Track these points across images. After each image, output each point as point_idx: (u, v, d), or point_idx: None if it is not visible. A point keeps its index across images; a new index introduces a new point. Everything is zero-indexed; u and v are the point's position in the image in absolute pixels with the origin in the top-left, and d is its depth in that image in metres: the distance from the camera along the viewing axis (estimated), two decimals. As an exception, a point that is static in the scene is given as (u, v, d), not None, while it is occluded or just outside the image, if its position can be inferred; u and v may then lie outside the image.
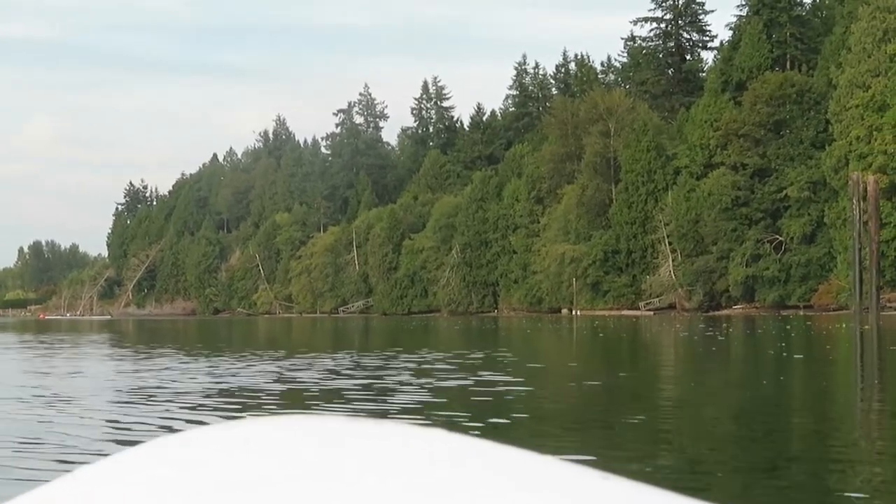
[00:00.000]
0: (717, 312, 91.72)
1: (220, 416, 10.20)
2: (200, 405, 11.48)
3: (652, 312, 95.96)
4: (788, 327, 43.50)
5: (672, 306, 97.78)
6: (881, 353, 23.28)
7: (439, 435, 1.15)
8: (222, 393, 13.10)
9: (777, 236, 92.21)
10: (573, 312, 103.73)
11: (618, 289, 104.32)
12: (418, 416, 9.90)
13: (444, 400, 11.77)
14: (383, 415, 10.06)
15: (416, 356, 21.72)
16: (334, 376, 15.83)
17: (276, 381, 15.05)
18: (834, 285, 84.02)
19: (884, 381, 15.16)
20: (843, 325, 45.12)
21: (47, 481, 1.11)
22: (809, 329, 40.94)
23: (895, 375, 16.58)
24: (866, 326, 42.09)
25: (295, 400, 12.18)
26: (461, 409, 10.80)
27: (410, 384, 13.94)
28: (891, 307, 74.10)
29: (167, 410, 10.94)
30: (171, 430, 8.67)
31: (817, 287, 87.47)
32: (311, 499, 0.98)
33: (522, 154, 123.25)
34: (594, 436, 8.80)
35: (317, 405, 11.54)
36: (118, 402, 12.02)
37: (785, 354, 21.97)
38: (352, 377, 15.61)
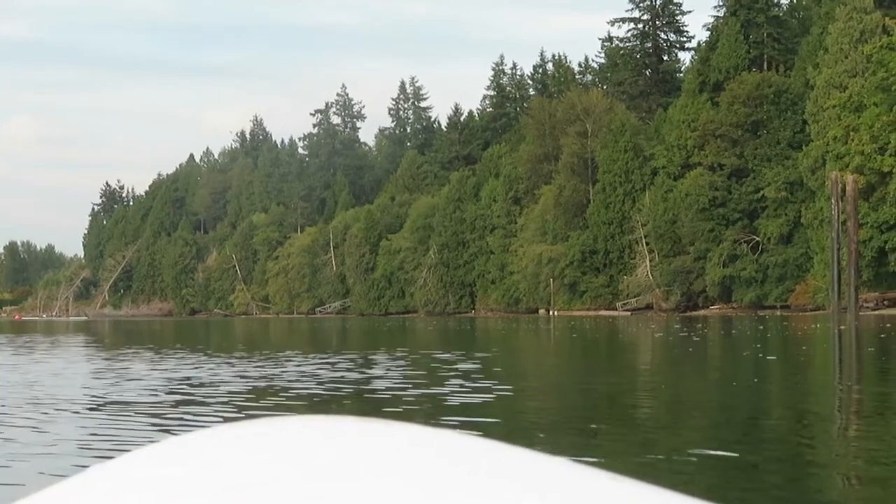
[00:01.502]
0: (694, 312, 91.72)
1: (231, 417, 9.97)
2: (208, 406, 11.29)
3: (629, 313, 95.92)
4: (761, 328, 43.30)
5: (649, 306, 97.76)
6: (859, 353, 23.05)
7: (449, 436, 1.15)
8: (229, 393, 12.95)
9: (754, 237, 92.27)
10: (550, 313, 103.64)
11: (595, 289, 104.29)
12: (421, 417, 9.67)
13: (430, 403, 11.50)
14: (388, 415, 9.77)
15: (394, 356, 21.43)
16: (332, 377, 15.55)
17: (279, 381, 14.86)
18: (811, 285, 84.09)
19: (861, 382, 14.92)
20: (818, 326, 44.98)
21: (58, 481, 1.12)
22: (785, 329, 40.78)
23: (871, 376, 16.33)
24: (842, 326, 41.95)
25: (297, 400, 11.96)
26: (439, 410, 10.51)
27: (400, 385, 13.70)
28: (867, 307, 74.11)
29: (171, 411, 10.79)
30: (179, 430, 8.40)
31: (794, 287, 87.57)
32: (320, 499, 0.98)
33: (500, 154, 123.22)
34: (566, 438, 8.52)
35: (314, 406, 11.32)
36: (119, 403, 11.77)
37: (761, 355, 21.73)
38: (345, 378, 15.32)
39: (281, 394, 12.86)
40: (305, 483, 1.01)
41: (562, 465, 1.06)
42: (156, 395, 12.85)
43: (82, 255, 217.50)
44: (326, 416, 1.24)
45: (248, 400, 12.04)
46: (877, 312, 71.07)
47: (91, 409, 11.15)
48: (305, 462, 1.07)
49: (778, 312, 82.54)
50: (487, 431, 8.93)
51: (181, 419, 9.99)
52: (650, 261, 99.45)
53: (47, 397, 12.67)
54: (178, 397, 12.37)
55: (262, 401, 11.97)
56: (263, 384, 14.40)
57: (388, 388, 13.37)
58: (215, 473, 1.06)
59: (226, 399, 11.99)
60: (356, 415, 1.15)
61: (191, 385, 14.21)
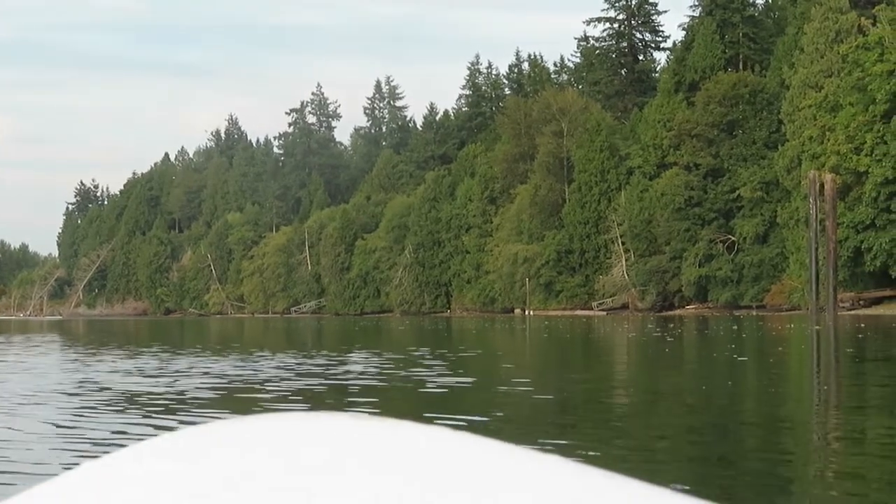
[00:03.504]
0: (669, 312, 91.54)
1: (228, 413, 9.89)
2: (203, 403, 11.09)
3: (605, 312, 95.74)
4: (735, 328, 43.09)
5: (625, 306, 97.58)
6: (837, 354, 22.72)
7: (445, 433, 1.15)
8: (227, 390, 12.98)
9: (730, 236, 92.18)
10: (526, 313, 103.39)
11: (571, 289, 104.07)
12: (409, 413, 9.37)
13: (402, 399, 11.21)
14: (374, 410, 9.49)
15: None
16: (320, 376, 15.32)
17: (278, 379, 14.85)
18: (787, 285, 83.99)
19: (839, 386, 14.59)
20: (792, 326, 44.80)
21: (54, 476, 1.12)
22: (760, 329, 40.57)
23: (849, 377, 16.00)
24: (817, 326, 41.76)
25: (295, 397, 11.76)
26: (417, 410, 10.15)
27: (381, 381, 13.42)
28: (843, 307, 74.03)
29: (168, 408, 10.74)
30: (177, 426, 8.21)
31: (770, 287, 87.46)
32: (317, 495, 0.98)
33: (475, 154, 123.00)
34: (535, 437, 8.15)
35: (315, 402, 11.12)
36: (115, 400, 11.59)
37: (735, 356, 21.41)
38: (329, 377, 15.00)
39: (273, 390, 12.58)
40: (305, 479, 1.01)
41: (557, 462, 1.06)
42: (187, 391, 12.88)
43: (56, 255, 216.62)
44: (321, 413, 1.23)
45: (245, 397, 11.81)
46: (852, 312, 71.01)
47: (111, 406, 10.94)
48: (305, 458, 1.06)
49: (753, 312, 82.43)
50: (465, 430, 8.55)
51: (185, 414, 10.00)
52: (626, 260, 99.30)
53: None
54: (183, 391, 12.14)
55: (256, 398, 11.75)
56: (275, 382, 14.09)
57: (367, 384, 13.13)
58: (209, 470, 1.06)
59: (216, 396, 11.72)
60: (349, 411, 1.21)
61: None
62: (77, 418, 9.94)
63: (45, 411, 10.70)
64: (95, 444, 8.00)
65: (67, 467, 1.12)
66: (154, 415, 10.02)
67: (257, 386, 13.80)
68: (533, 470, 1.04)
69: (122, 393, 12.77)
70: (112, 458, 1.15)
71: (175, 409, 10.65)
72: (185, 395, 12.45)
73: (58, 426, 9.26)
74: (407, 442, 1.12)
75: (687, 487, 5.88)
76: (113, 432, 8.70)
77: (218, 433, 1.20)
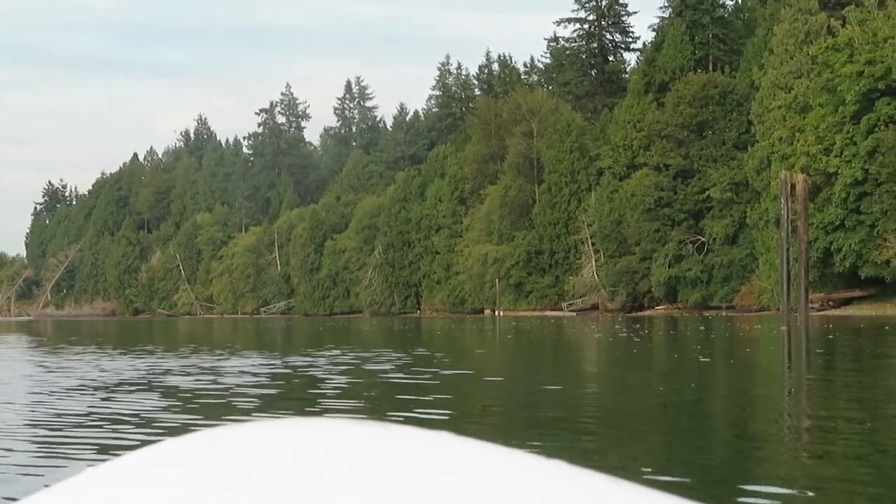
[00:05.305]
0: (639, 313, 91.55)
1: (229, 418, 10.04)
2: (203, 407, 11.01)
3: (575, 313, 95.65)
4: (703, 328, 42.97)
5: (595, 307, 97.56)
6: (809, 356, 22.55)
7: (445, 438, 1.15)
8: (226, 394, 12.97)
9: (699, 237, 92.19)
10: (496, 313, 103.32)
11: (541, 289, 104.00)
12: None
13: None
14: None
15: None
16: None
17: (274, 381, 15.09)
18: (756, 286, 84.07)
19: (809, 386, 14.37)
20: (760, 326, 44.76)
21: (61, 479, 1.11)
22: (727, 330, 40.48)
23: (816, 378, 15.77)
24: (782, 327, 41.70)
25: (295, 401, 11.74)
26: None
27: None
28: (812, 308, 74.07)
29: (167, 412, 10.87)
30: (179, 431, 8.14)
31: (739, 288, 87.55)
32: (318, 501, 0.98)
33: (445, 154, 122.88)
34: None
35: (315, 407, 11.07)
36: (119, 400, 11.62)
37: (702, 358, 21.20)
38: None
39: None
40: (307, 484, 1.01)
41: (560, 467, 1.06)
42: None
43: (24, 255, 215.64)
44: (323, 419, 1.22)
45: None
46: (822, 313, 71.12)
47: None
48: (307, 464, 1.06)
49: (723, 313, 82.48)
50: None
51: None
52: (596, 261, 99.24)
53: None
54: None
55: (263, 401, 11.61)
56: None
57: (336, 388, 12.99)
58: (217, 474, 1.06)
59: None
60: (347, 416, 1.23)
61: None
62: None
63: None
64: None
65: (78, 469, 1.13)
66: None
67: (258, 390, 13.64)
68: (539, 475, 1.03)
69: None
70: (114, 464, 1.15)
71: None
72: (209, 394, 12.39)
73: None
74: (411, 447, 1.12)
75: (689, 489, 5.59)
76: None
77: (224, 438, 1.19)
